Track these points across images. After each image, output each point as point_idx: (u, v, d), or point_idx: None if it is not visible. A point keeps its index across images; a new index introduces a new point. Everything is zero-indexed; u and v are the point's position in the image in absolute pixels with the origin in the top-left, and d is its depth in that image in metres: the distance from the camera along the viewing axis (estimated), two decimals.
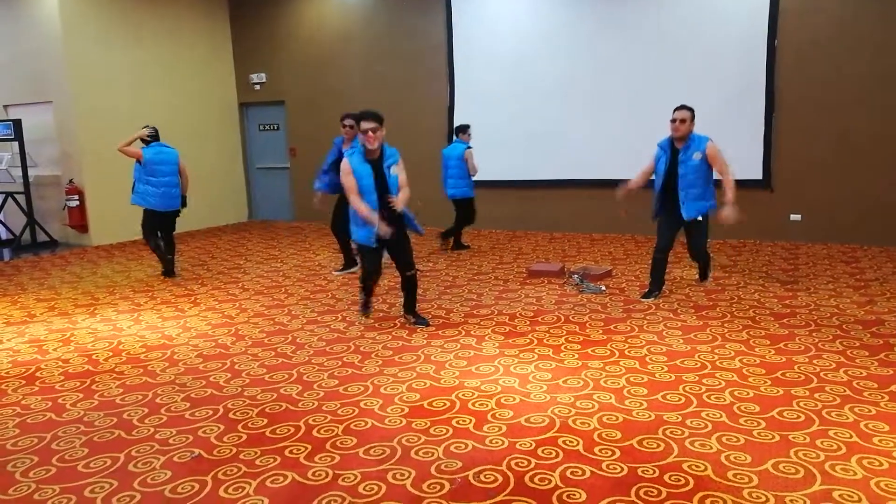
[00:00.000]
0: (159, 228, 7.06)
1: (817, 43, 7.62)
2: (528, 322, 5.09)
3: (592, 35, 8.81)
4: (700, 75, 8.22)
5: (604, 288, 5.98)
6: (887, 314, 4.97)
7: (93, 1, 9.49)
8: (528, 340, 4.65)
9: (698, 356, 4.22)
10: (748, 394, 3.61)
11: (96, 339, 5.07)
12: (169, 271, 7.17)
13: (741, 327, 4.76)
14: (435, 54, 9.82)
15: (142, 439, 3.33)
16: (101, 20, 9.61)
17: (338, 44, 10.57)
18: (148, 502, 2.76)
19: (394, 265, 5.10)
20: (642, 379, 3.88)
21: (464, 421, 3.40)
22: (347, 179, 4.68)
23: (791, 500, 2.59)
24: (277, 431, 3.36)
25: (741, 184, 7.78)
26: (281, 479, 2.90)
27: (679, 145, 5.35)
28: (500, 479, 2.83)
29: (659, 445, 3.07)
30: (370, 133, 4.58)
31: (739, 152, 7.14)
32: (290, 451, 3.14)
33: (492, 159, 9.60)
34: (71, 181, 9.48)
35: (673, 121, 5.31)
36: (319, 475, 2.92)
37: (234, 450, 3.18)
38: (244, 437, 3.32)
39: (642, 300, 5.56)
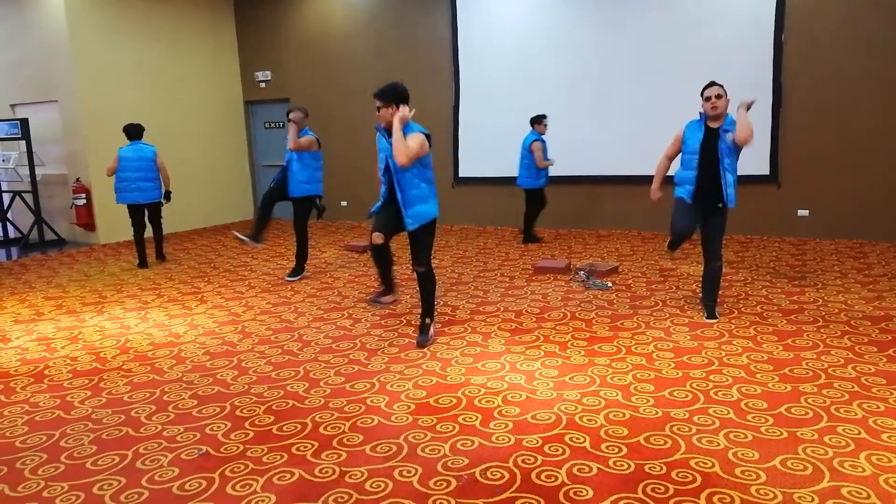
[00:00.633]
0: (140, 221, 7.63)
1: (824, 38, 7.57)
2: (534, 319, 5.08)
3: (597, 31, 8.79)
4: (706, 71, 8.13)
5: (610, 284, 5.97)
6: None
7: (98, 0, 9.51)
8: (534, 337, 4.64)
9: (705, 352, 4.20)
10: (756, 390, 3.60)
11: (104, 336, 5.09)
12: (143, 263, 7.70)
13: (748, 323, 4.74)
14: (440, 51, 9.81)
15: (149, 436, 3.34)
16: (107, 19, 9.64)
17: (343, 41, 10.57)
18: (156, 499, 2.77)
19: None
20: (649, 375, 3.87)
21: (470, 418, 3.40)
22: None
23: (799, 497, 2.58)
24: (284, 428, 3.37)
25: (748, 179, 7.83)
26: (288, 476, 2.91)
27: (715, 124, 4.71)
28: (507, 475, 2.83)
29: (666, 442, 3.06)
30: (377, 112, 4.39)
31: (746, 148, 7.08)
32: (297, 448, 3.15)
33: (496, 156, 9.60)
34: (78, 180, 9.52)
35: (707, 98, 4.65)
36: (326, 472, 2.92)
37: (242, 447, 3.19)
38: (251, 434, 3.33)
39: (668, 249, 5.20)
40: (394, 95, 4.37)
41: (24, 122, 9.35)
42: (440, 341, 4.63)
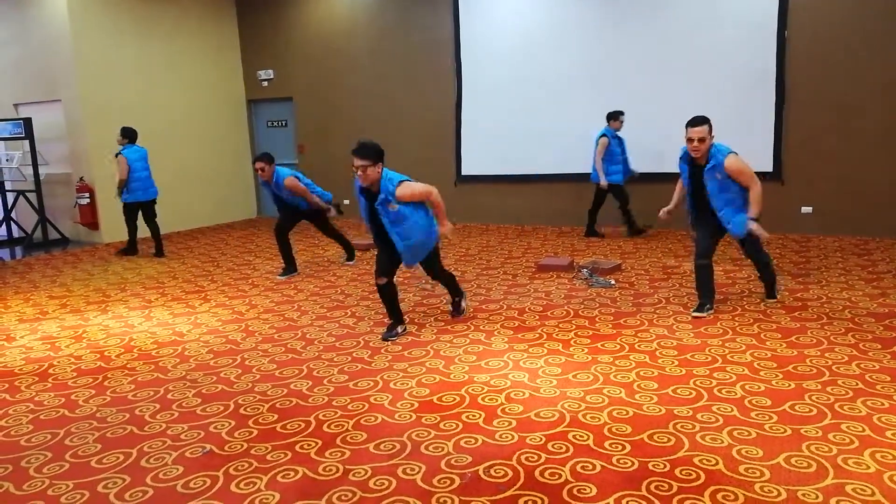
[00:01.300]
0: (136, 217, 8.36)
1: (828, 34, 7.54)
2: (537, 317, 5.08)
3: (601, 28, 8.77)
4: (710, 68, 8.17)
5: (613, 282, 5.96)
6: None
7: None
8: (537, 335, 4.64)
9: (709, 350, 4.20)
10: (759, 387, 3.59)
11: (108, 335, 5.11)
12: (132, 250, 8.46)
13: (752, 321, 4.73)
14: (442, 49, 9.80)
15: (154, 435, 3.35)
16: (109, 18, 9.65)
17: (346, 39, 10.56)
18: (160, 497, 2.78)
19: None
20: (652, 373, 3.86)
21: (474, 416, 3.40)
22: None
23: (803, 494, 2.58)
24: (288, 427, 3.38)
25: None
26: (292, 473, 2.92)
27: (701, 161, 4.72)
28: (511, 473, 2.83)
29: (669, 440, 3.06)
30: (359, 172, 4.23)
31: (750, 144, 7.09)
32: (301, 447, 3.15)
33: (500, 154, 9.60)
34: (81, 179, 9.54)
35: (690, 140, 4.62)
36: (330, 470, 2.93)
37: (245, 445, 3.20)
38: (255, 432, 3.34)
39: (693, 314, 4.87)
40: (377, 154, 4.30)
41: (28, 122, 9.37)
42: (443, 339, 4.63)
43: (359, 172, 4.26)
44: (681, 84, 8.32)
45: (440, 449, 3.07)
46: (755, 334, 4.45)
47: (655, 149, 8.37)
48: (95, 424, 3.51)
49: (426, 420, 3.37)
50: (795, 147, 7.87)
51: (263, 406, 3.65)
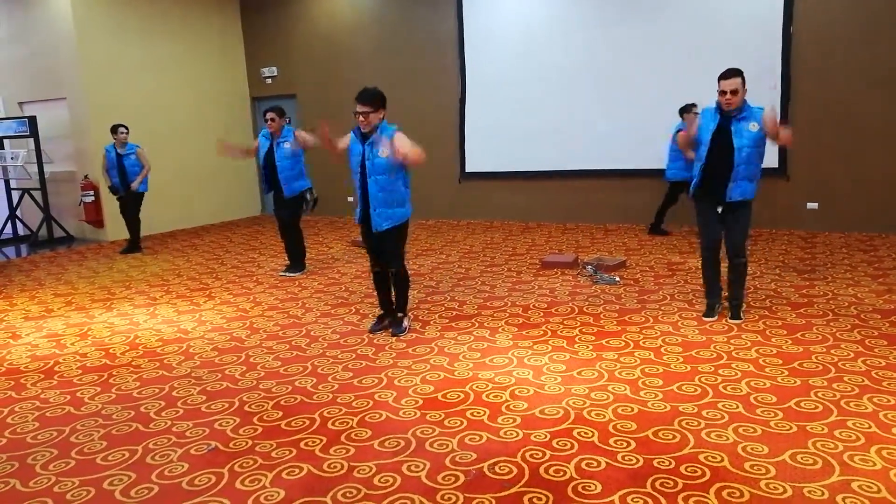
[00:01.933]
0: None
1: (834, 30, 7.50)
2: (541, 314, 5.08)
3: (604, 24, 8.73)
4: (715, 63, 8.06)
5: (618, 279, 5.95)
6: None
7: None
8: (541, 332, 4.64)
9: (714, 346, 4.19)
10: (765, 384, 3.58)
11: (113, 333, 5.12)
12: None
13: (757, 317, 4.72)
14: (446, 46, 9.78)
15: (159, 432, 3.36)
16: (113, 16, 9.66)
17: (349, 37, 10.56)
18: (165, 494, 2.78)
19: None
20: (657, 370, 3.85)
21: (478, 413, 3.39)
22: (343, 139, 4.62)
23: (809, 492, 2.57)
24: (293, 424, 3.38)
25: None
26: (297, 471, 2.92)
27: (733, 114, 4.45)
28: (515, 470, 2.82)
29: (675, 436, 3.05)
30: (361, 118, 4.33)
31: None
32: (306, 444, 3.16)
33: (504, 150, 9.58)
34: (86, 177, 9.56)
35: (722, 92, 4.37)
36: (335, 467, 2.93)
37: (250, 442, 3.20)
38: (260, 429, 3.34)
39: (704, 319, 4.71)
40: (382, 100, 4.40)
41: (33, 120, 9.40)
42: (447, 336, 4.63)
43: (360, 118, 4.35)
44: (686, 79, 8.27)
45: (445, 446, 3.07)
46: (760, 331, 4.44)
47: (660, 144, 8.33)
48: (101, 422, 3.52)
49: (431, 417, 3.37)
50: (801, 143, 7.81)
51: (268, 403, 3.65)
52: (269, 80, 11.48)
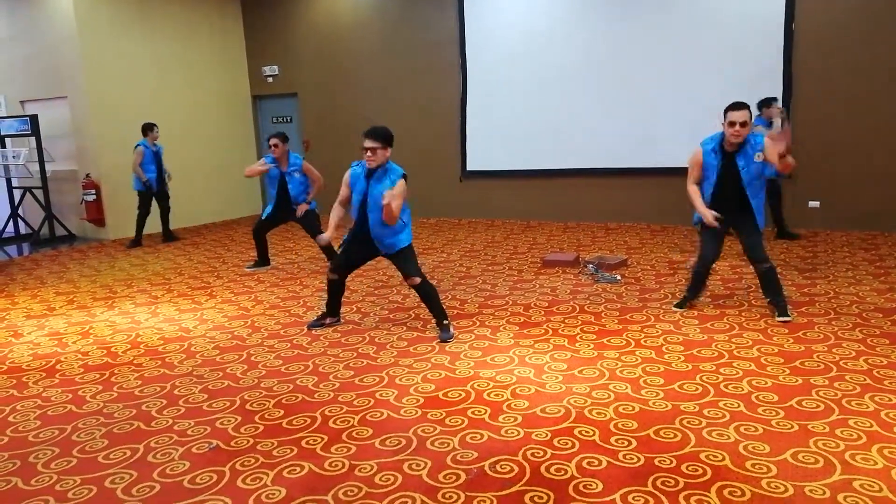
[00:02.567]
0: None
1: (836, 27, 7.49)
2: (542, 312, 5.07)
3: (606, 22, 8.72)
4: (716, 61, 8.12)
5: (619, 277, 5.95)
6: None
7: None
8: (543, 331, 4.64)
9: (715, 345, 4.18)
10: (766, 383, 3.58)
11: (115, 331, 5.12)
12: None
13: (759, 316, 4.71)
14: (447, 45, 9.77)
15: (160, 430, 3.36)
16: (115, 15, 9.66)
17: (351, 35, 10.55)
18: (167, 493, 2.79)
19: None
20: (659, 369, 3.85)
21: (479, 411, 3.40)
22: (343, 189, 4.63)
23: (810, 490, 2.57)
24: (294, 422, 3.38)
25: None
26: (298, 469, 2.92)
27: (734, 149, 4.49)
28: (516, 469, 2.83)
29: (676, 435, 3.05)
30: (368, 153, 4.35)
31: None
32: (307, 442, 3.16)
33: (505, 149, 9.58)
34: (87, 175, 9.57)
35: (732, 124, 4.38)
36: (336, 466, 2.93)
37: (252, 441, 3.21)
38: (261, 428, 3.34)
39: (674, 309, 4.96)
40: (390, 138, 4.43)
41: (34, 119, 9.40)
42: None
43: (368, 153, 4.38)
44: (687, 78, 8.27)
45: (446, 444, 3.07)
46: (762, 329, 4.43)
47: (661, 143, 8.33)
48: (102, 420, 3.52)
49: (432, 416, 3.37)
50: (802, 141, 7.82)
51: (269, 402, 3.65)
52: (270, 79, 11.48)
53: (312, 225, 6.84)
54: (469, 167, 9.92)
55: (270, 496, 2.72)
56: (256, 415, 3.50)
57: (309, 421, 3.39)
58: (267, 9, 11.24)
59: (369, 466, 2.91)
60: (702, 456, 2.86)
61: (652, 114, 8.40)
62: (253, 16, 11.42)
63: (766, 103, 7.05)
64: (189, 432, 3.33)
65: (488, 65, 9.55)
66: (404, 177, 4.49)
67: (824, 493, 2.55)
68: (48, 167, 9.66)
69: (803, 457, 2.81)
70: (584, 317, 4.91)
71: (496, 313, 5.10)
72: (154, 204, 8.99)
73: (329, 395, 3.71)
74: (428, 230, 9.16)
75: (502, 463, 2.88)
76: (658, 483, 2.67)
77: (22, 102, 10.19)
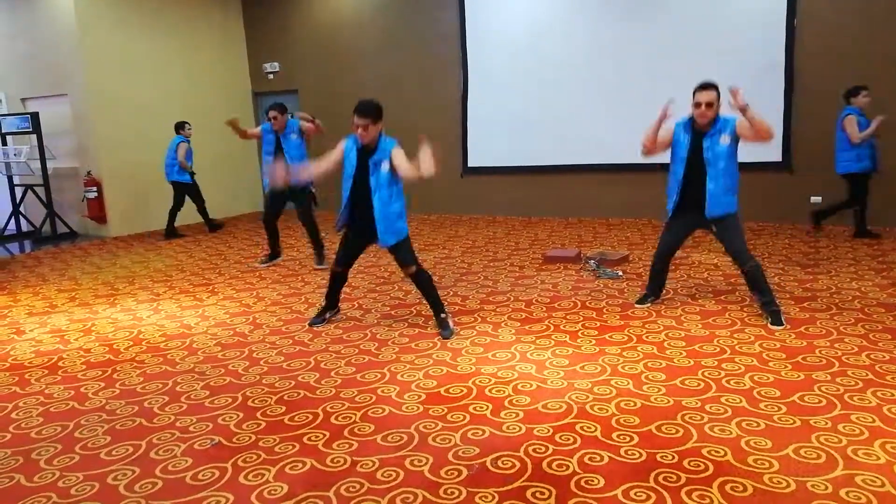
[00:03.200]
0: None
1: (837, 22, 7.46)
2: (544, 308, 5.07)
3: (607, 18, 8.70)
4: (718, 56, 8.08)
5: (621, 273, 5.94)
6: None
7: None
8: (544, 327, 4.63)
9: (717, 341, 4.18)
10: (768, 378, 3.58)
11: (117, 328, 5.13)
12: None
13: (760, 311, 4.70)
14: (448, 41, 9.75)
15: (163, 427, 3.37)
16: (116, 12, 9.65)
17: (351, 32, 10.53)
18: (169, 489, 2.79)
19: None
20: (660, 364, 3.85)
21: (481, 407, 3.40)
22: (334, 152, 4.59)
23: (812, 486, 2.57)
24: (296, 419, 3.39)
25: (761, 166, 7.74)
26: (300, 465, 2.92)
27: (705, 129, 4.51)
28: (518, 465, 2.83)
29: (678, 431, 3.05)
30: (360, 130, 4.34)
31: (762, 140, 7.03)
32: (309, 438, 3.16)
33: (506, 145, 9.56)
34: (89, 173, 9.57)
35: (697, 105, 4.43)
36: (338, 462, 2.93)
37: (254, 437, 3.21)
38: (263, 424, 3.35)
39: (636, 305, 4.97)
40: (378, 111, 4.44)
41: (35, 116, 9.40)
42: None
43: (360, 131, 4.37)
44: (689, 74, 8.19)
45: (447, 441, 3.07)
46: (763, 325, 4.43)
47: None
48: (105, 417, 3.53)
49: (433, 412, 3.37)
50: (804, 136, 7.80)
51: (271, 398, 3.66)
52: (271, 76, 11.47)
53: (306, 210, 6.83)
54: (470, 163, 9.91)
55: (272, 492, 2.72)
56: (258, 411, 3.50)
57: (311, 417, 3.39)
58: (268, 5, 11.22)
59: (371, 462, 2.91)
60: (703, 451, 2.86)
61: (653, 110, 8.21)
62: (254, 12, 11.40)
63: (852, 92, 6.78)
64: (191, 429, 3.33)
65: (489, 61, 9.53)
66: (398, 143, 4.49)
67: (826, 488, 2.55)
68: (49, 164, 9.67)
69: (805, 452, 2.81)
70: (586, 313, 4.91)
71: (498, 309, 5.10)
72: (172, 197, 9.30)
73: (331, 391, 3.71)
74: (429, 226, 9.15)
75: (504, 459, 2.88)
76: (660, 478, 2.67)
77: (23, 100, 10.19)
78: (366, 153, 4.47)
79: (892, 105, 7.29)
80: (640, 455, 2.86)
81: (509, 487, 2.66)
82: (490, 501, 2.59)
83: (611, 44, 8.71)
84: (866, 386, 3.42)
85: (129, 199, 9.84)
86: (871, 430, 2.96)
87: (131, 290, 6.35)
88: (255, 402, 3.62)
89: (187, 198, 9.31)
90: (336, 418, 3.36)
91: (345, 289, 5.92)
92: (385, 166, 4.40)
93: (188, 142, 9.17)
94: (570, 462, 2.83)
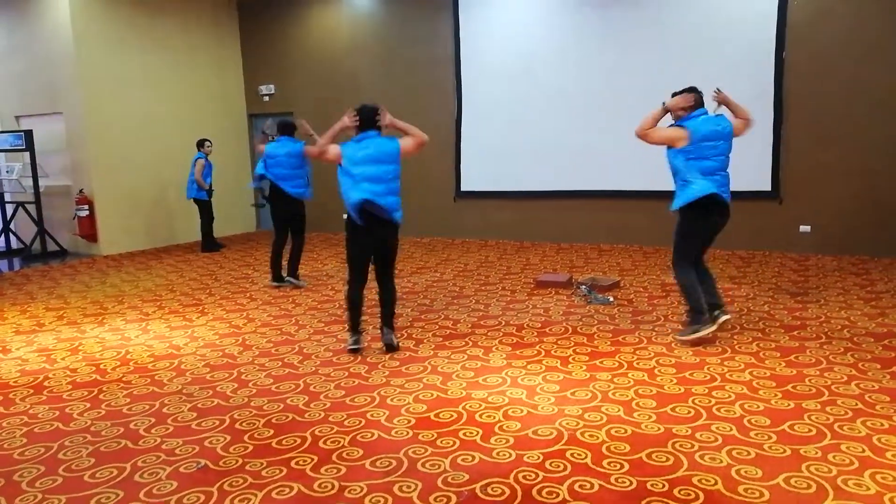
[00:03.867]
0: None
1: (827, 52, 7.59)
2: (535, 333, 5.07)
3: (600, 45, 8.83)
4: (708, 83, 8.18)
5: (612, 299, 5.95)
6: None
7: (103, 13, 9.59)
8: (535, 352, 4.63)
9: (708, 368, 4.18)
10: (758, 407, 3.58)
11: (104, 348, 5.08)
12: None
13: (751, 339, 4.72)
14: (442, 66, 9.86)
15: (148, 449, 3.32)
16: (112, 32, 9.71)
17: (347, 55, 10.63)
18: None
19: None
20: (651, 391, 3.84)
21: (471, 433, 3.37)
22: (331, 149, 5.00)
23: None
24: (284, 442, 3.35)
25: (750, 195, 7.82)
26: (287, 490, 2.89)
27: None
28: (508, 491, 2.80)
29: (668, 459, 3.03)
30: (358, 130, 4.88)
31: (748, 162, 7.12)
32: (297, 463, 3.13)
33: (500, 169, 9.62)
34: (81, 191, 9.55)
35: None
36: (325, 487, 2.90)
37: (241, 460, 3.17)
38: (250, 447, 3.31)
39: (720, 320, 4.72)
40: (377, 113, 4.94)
41: (29, 134, 9.39)
42: (441, 355, 4.61)
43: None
44: None
45: (437, 466, 3.04)
46: (754, 353, 4.44)
47: (654, 165, 8.38)
48: (89, 438, 3.48)
49: (423, 437, 3.35)
50: (793, 166, 7.90)
51: (259, 421, 3.62)
52: (266, 98, 11.53)
53: (299, 226, 6.95)
54: (463, 187, 9.96)
55: None
56: (246, 434, 3.46)
57: (299, 441, 3.36)
58: (264, 27, 11.32)
59: (359, 488, 2.88)
60: (694, 480, 2.84)
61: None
62: (250, 35, 11.50)
63: None
64: (177, 451, 3.29)
65: (483, 85, 9.63)
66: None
67: None
68: (41, 182, 9.65)
69: (795, 482, 2.80)
70: (577, 338, 4.91)
71: (489, 333, 5.09)
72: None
73: (320, 414, 3.68)
74: (422, 249, 9.16)
75: (494, 485, 2.85)
76: None
77: (17, 117, 10.20)
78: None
79: (883, 134, 7.41)
80: (631, 483, 2.84)
81: None
82: None
83: (603, 71, 8.83)
84: (856, 415, 3.42)
85: (120, 217, 9.82)
86: (861, 460, 2.96)
87: (120, 309, 6.31)
88: (243, 424, 3.59)
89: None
90: (324, 442, 3.33)
91: (335, 311, 5.92)
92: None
93: (205, 158, 9.34)
94: (560, 489, 2.81)
